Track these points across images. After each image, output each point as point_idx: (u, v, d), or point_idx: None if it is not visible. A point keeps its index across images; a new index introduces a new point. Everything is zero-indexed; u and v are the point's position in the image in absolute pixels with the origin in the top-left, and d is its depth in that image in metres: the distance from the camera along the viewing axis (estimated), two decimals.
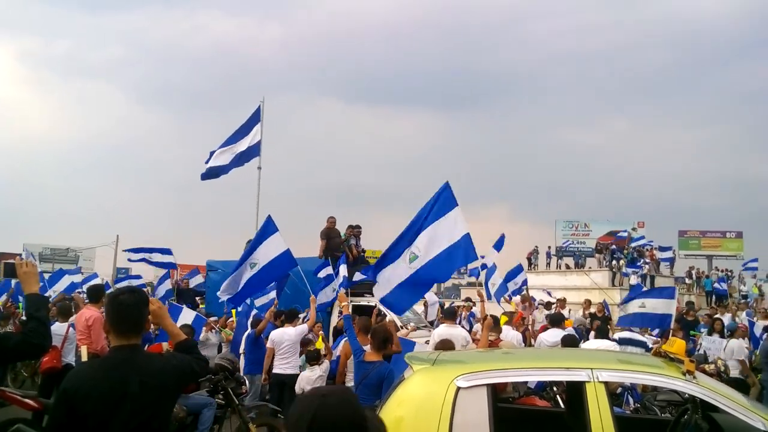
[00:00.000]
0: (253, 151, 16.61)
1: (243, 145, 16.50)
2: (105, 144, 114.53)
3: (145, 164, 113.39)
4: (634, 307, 11.55)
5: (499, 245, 14.78)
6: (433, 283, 9.09)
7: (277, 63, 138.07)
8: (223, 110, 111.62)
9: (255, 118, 16.79)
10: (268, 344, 9.24)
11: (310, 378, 8.15)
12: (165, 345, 8.03)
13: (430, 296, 15.85)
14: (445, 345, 7.09)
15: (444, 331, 8.53)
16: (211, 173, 16.57)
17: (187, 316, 10.74)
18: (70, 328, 8.84)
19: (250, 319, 10.52)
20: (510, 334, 10.73)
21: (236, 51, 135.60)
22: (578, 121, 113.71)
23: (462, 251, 7.80)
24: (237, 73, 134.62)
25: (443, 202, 7.86)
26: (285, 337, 8.89)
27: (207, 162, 16.56)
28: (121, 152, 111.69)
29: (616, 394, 7.86)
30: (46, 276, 19.54)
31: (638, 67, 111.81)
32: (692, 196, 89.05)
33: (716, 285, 30.30)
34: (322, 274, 11.98)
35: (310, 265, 12.74)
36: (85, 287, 14.78)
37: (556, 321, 10.59)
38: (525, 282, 16.63)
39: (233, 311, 11.96)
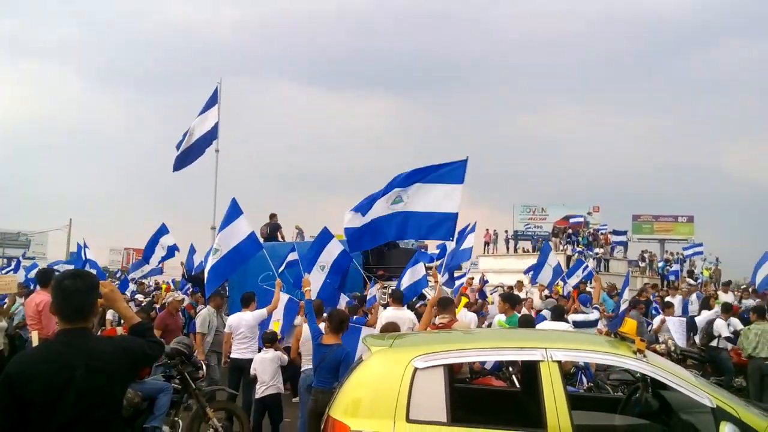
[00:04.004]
0: (211, 134, 16.38)
1: (201, 128, 16.25)
2: (56, 126, 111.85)
3: (97, 146, 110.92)
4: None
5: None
6: (400, 235, 8.83)
7: (233, 45, 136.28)
8: (177, 92, 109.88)
9: (212, 100, 16.54)
10: (226, 329, 9.15)
11: (264, 359, 8.07)
12: (119, 329, 7.89)
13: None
14: (390, 327, 7.13)
15: (391, 313, 8.56)
16: (183, 162, 16.27)
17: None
18: None
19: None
20: (468, 317, 10.86)
21: (191, 33, 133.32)
22: (534, 106, 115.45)
23: (445, 225, 7.77)
24: (192, 55, 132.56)
25: (453, 171, 7.72)
26: (242, 322, 8.81)
27: (178, 147, 16.25)
28: (73, 134, 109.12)
29: (570, 373, 8.01)
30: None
31: (592, 55, 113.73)
32: (645, 182, 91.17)
33: (674, 268, 31.10)
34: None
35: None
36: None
37: (512, 303, 10.74)
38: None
39: None
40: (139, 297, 17.62)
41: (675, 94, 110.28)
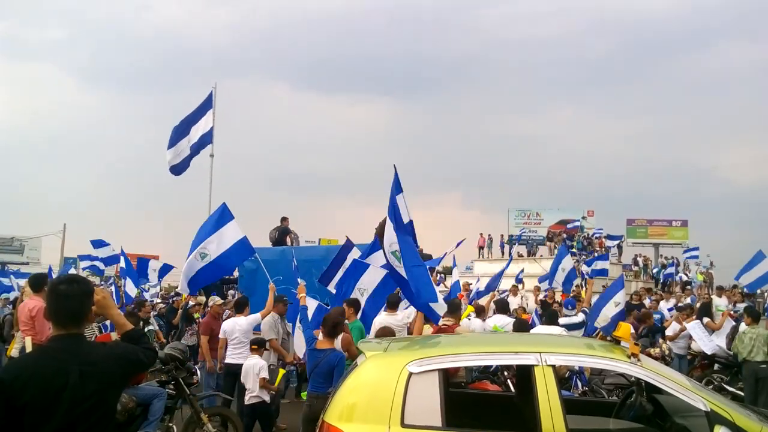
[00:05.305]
0: (206, 139, 16.35)
1: (196, 133, 16.21)
2: (48, 128, 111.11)
3: (91, 149, 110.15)
4: (612, 308, 11.48)
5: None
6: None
7: (225, 47, 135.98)
8: (169, 93, 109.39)
9: (207, 105, 16.51)
10: (220, 334, 9.13)
11: (248, 366, 7.99)
12: (114, 335, 7.85)
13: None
14: (385, 332, 7.14)
15: (384, 319, 8.55)
16: (180, 166, 16.19)
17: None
18: None
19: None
20: (473, 323, 10.81)
21: (183, 34, 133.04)
22: (527, 108, 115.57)
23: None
24: (183, 56, 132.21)
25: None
26: (236, 327, 8.78)
27: (169, 147, 16.19)
28: (66, 136, 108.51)
29: (564, 377, 8.02)
30: None
31: (585, 55, 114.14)
32: (640, 185, 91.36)
33: (667, 271, 31.17)
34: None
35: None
36: None
37: (502, 307, 10.76)
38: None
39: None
40: (156, 299, 17.82)
41: (669, 97, 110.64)
